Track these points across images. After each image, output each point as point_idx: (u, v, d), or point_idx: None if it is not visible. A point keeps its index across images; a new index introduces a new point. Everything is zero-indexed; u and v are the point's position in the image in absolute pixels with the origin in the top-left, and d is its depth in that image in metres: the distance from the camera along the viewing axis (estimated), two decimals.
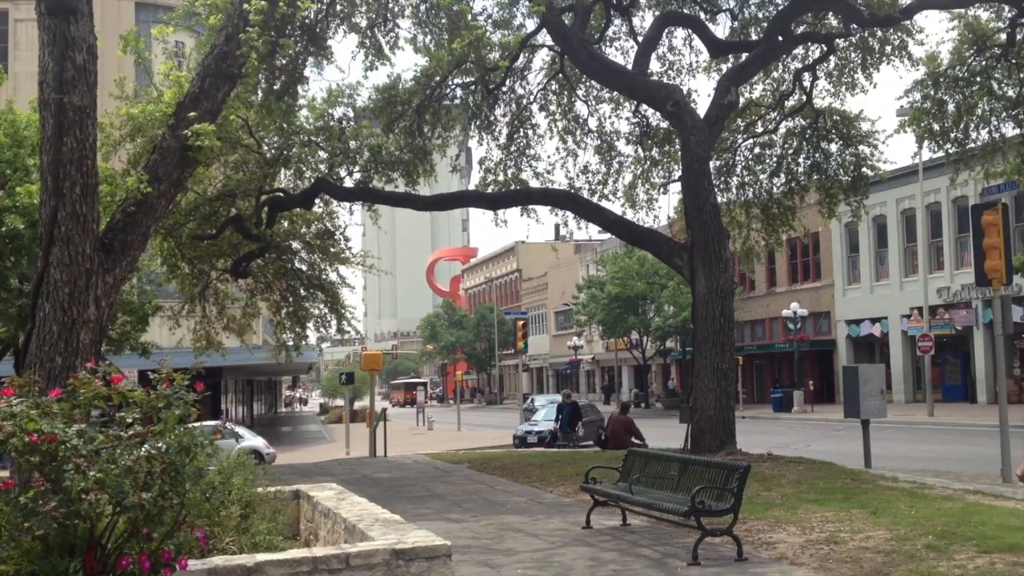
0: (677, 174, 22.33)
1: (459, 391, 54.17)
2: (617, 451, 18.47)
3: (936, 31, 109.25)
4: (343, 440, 34.89)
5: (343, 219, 26.88)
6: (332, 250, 23.64)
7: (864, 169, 23.93)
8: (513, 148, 24.00)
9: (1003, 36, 20.76)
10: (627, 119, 24.72)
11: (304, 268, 23.93)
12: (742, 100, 22.83)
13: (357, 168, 22.29)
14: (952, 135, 22.46)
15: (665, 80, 23.02)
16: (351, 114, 22.45)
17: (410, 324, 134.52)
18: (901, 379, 47.74)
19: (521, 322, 44.53)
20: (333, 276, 24.06)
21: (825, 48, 21.74)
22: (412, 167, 21.94)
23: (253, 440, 30.05)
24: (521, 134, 24.24)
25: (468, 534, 11.90)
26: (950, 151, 22.92)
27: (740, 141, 24.56)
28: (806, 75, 22.78)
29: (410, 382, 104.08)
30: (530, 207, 24.43)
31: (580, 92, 24.17)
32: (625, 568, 9.65)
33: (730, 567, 9.49)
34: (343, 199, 23.49)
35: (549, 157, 34.47)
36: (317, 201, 22.43)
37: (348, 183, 22.44)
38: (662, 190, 24.83)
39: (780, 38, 20.89)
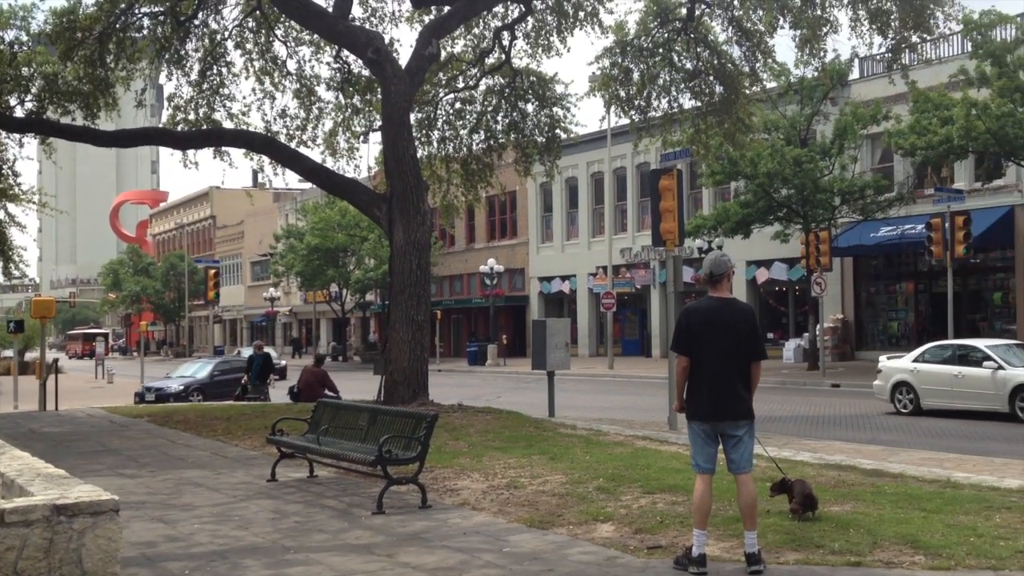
0: (379, 123, 22.10)
1: (144, 343, 51.32)
2: (309, 404, 18.14)
3: (625, 1, 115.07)
4: (10, 394, 32.08)
5: (12, 152, 24.65)
6: None
7: (558, 131, 24.82)
8: (206, 86, 22.81)
9: (684, 11, 22.07)
10: (328, 64, 24.15)
11: None
12: (444, 54, 22.92)
13: (30, 97, 20.45)
14: (636, 103, 23.65)
15: (368, 27, 22.64)
16: (24, 38, 20.54)
17: (91, 271, 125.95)
18: (586, 334, 50.52)
19: (213, 271, 42.68)
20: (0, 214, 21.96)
21: (524, 8, 22.19)
22: (92, 99, 20.34)
23: None
24: (215, 72, 23.11)
25: (143, 489, 11.26)
26: (634, 118, 24.15)
27: (442, 95, 24.66)
28: (505, 34, 23.16)
29: (89, 332, 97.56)
30: (224, 149, 23.50)
31: (279, 32, 23.32)
32: (308, 520, 9.47)
33: (414, 514, 9.55)
34: (13, 130, 21.51)
35: (245, 98, 33.10)
36: None
37: (19, 113, 20.55)
38: (363, 139, 24.54)
39: None
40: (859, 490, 9.89)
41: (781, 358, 38.89)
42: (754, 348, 7.33)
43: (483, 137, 25.01)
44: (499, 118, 24.85)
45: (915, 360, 20.92)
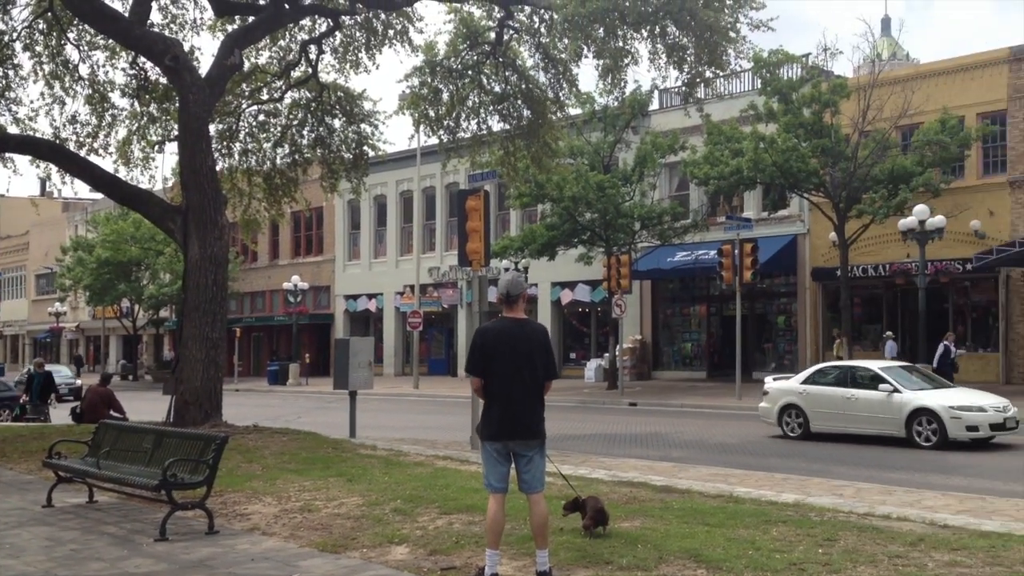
0: (176, 133, 21.27)
1: None
2: (92, 425, 17.16)
3: (436, 22, 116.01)
4: None
5: None
6: None
7: (366, 148, 24.62)
8: None
9: (492, 35, 22.35)
10: (124, 70, 23.06)
11: None
12: (248, 65, 22.34)
13: None
14: (445, 123, 23.74)
15: (167, 34, 21.77)
16: None
17: None
18: (393, 353, 50.23)
19: None
20: None
21: (332, 23, 21.92)
22: None
23: None
24: (1, 74, 21.79)
25: None
26: (443, 138, 24.25)
27: (244, 106, 24.02)
28: (312, 47, 22.81)
29: None
30: (7, 155, 22.15)
31: (72, 35, 22.13)
32: (85, 547, 8.90)
33: (200, 540, 9.13)
34: None
35: (32, 102, 31.28)
36: None
37: None
38: (159, 148, 23.55)
39: (287, 5, 20.68)
40: (649, 506, 10.16)
41: (583, 377, 39.88)
42: (547, 368, 7.41)
43: (288, 151, 24.51)
44: (305, 132, 24.43)
45: (804, 382, 19.72)
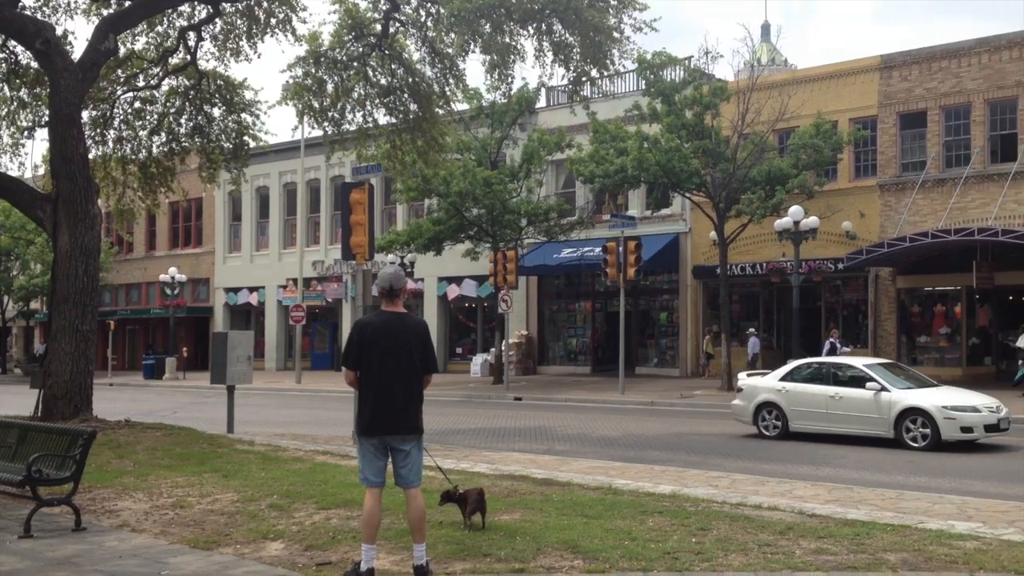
0: (47, 119, 20.45)
1: None
2: None
3: (320, 12, 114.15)
4: None
5: None
6: None
7: (246, 138, 24.11)
8: None
9: (378, 27, 22.14)
10: None
11: None
12: (124, 50, 21.63)
13: None
14: (330, 114, 23.42)
15: (39, 16, 20.91)
16: None
17: None
18: (275, 347, 49.38)
19: None
20: None
21: (212, 9, 21.38)
22: None
23: None
24: None
25: None
26: (328, 130, 23.91)
27: (120, 93, 23.24)
28: (192, 34, 22.21)
29: None
30: None
31: None
32: None
33: (66, 537, 8.81)
34: None
35: None
36: None
37: None
38: (28, 135, 22.64)
39: None
40: (529, 499, 10.22)
41: (469, 372, 39.90)
42: (426, 362, 7.36)
43: (165, 140, 23.83)
44: (183, 121, 23.79)
45: (783, 379, 18.75)
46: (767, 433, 18.41)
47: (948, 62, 30.74)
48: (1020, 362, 27.45)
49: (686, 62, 32.30)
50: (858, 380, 17.68)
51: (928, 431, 16.52)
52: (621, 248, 29.71)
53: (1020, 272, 28.88)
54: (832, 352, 28.02)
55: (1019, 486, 12.65)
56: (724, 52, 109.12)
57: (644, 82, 31.38)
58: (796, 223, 28.07)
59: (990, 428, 16.60)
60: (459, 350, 43.88)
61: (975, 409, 16.72)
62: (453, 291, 42.71)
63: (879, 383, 17.26)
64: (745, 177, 29.85)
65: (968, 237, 27.23)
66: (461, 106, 30.15)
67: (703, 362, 34.90)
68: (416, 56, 22.76)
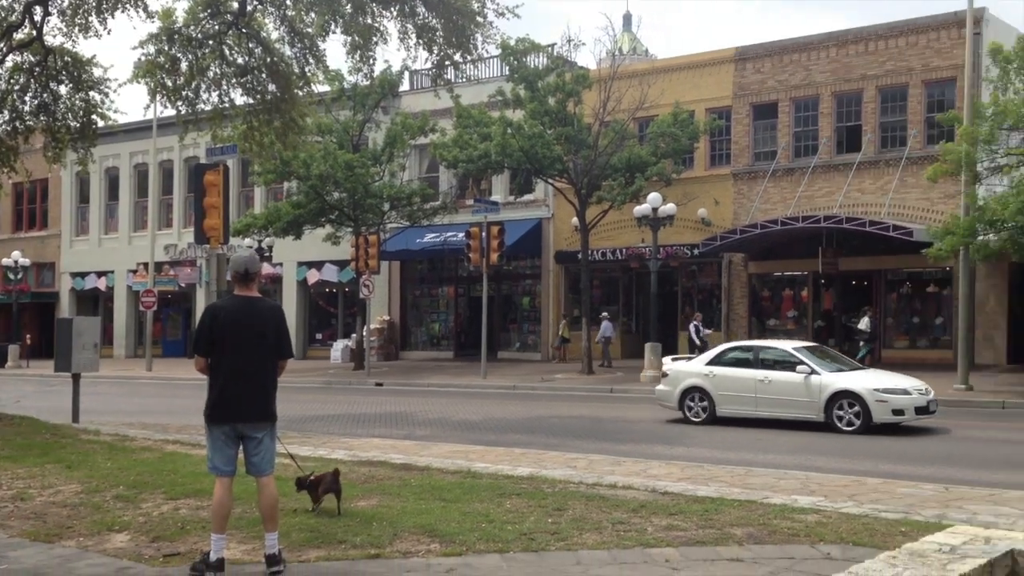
0: None
1: None
2: None
3: None
4: None
5: None
6: None
7: (94, 116, 23.07)
8: None
9: (235, 4, 21.49)
10: None
11: None
12: None
13: None
14: (184, 94, 22.60)
15: None
16: None
17: None
18: (124, 334, 47.65)
19: None
20: None
21: None
22: None
23: None
24: None
25: None
26: (182, 109, 23.11)
27: None
28: (38, 8, 21.09)
29: None
30: None
31: None
32: None
33: None
34: None
35: None
36: None
37: None
38: None
39: None
40: (387, 484, 10.15)
41: (329, 358, 39.39)
42: (281, 347, 7.20)
43: (8, 118, 22.60)
44: (27, 98, 22.59)
45: (710, 363, 18.52)
46: (693, 419, 18.14)
47: (799, 55, 31.93)
48: (861, 343, 28.90)
49: (549, 49, 32.58)
50: (787, 364, 17.63)
51: (859, 414, 16.51)
52: (484, 233, 29.80)
53: (863, 258, 30.32)
54: (697, 334, 29.05)
55: (952, 467, 12.80)
56: (587, 41, 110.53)
57: (508, 68, 31.50)
58: (655, 210, 28.70)
59: (920, 410, 16.68)
60: (319, 336, 43.26)
61: (906, 392, 16.73)
62: (313, 276, 42.04)
63: (809, 366, 17.21)
64: (606, 164, 30.33)
65: (815, 224, 28.42)
66: (322, 88, 29.61)
67: (557, 345, 35.36)
68: (275, 35, 22.19)
